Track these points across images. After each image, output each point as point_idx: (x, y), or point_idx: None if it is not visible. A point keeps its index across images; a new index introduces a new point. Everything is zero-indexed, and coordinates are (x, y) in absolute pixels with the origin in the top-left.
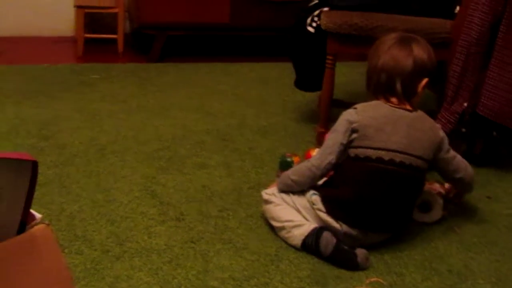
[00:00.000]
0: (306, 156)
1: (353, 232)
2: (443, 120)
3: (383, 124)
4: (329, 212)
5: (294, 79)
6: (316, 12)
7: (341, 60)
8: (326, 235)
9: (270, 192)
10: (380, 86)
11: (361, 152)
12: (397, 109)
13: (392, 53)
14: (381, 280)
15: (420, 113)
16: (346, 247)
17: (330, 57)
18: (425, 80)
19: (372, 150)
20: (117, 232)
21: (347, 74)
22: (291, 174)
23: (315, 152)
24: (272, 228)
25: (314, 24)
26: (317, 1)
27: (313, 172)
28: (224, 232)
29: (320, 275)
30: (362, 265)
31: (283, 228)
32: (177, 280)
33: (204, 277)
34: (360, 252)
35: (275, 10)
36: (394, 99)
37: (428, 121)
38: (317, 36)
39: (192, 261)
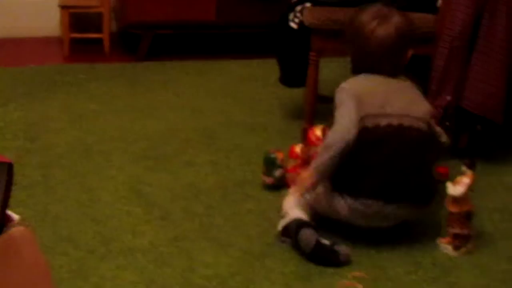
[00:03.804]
0: (290, 152)
1: (359, 206)
2: None
3: (372, 91)
4: (334, 187)
5: (278, 76)
6: (299, 8)
7: (329, 55)
8: (305, 231)
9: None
10: (369, 69)
11: (359, 124)
12: (386, 78)
13: (378, 36)
14: (364, 275)
15: (410, 83)
16: (327, 244)
17: (314, 53)
18: (410, 52)
19: (367, 119)
20: (102, 232)
21: (335, 70)
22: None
23: (298, 148)
24: (258, 225)
25: (296, 20)
26: None
27: (345, 140)
28: (209, 229)
29: (305, 270)
30: (344, 262)
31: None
32: (162, 279)
33: (189, 275)
34: (341, 248)
35: (262, 6)
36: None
37: (418, 92)
38: (300, 32)
39: (177, 260)
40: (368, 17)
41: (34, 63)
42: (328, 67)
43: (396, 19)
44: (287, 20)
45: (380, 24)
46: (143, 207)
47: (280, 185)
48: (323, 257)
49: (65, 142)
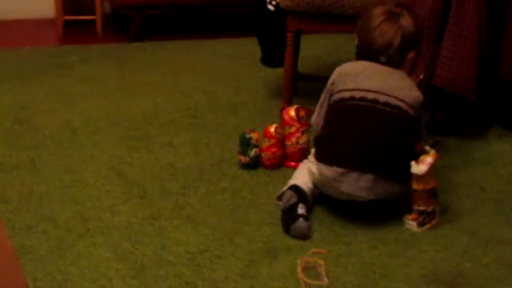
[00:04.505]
0: (265, 132)
1: (329, 173)
2: None
3: (360, 71)
4: (315, 157)
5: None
6: None
7: (318, 32)
8: (288, 193)
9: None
10: (368, 58)
11: (337, 96)
12: (377, 64)
13: (382, 30)
14: (324, 251)
15: (403, 72)
16: (298, 212)
17: (290, 35)
18: (412, 53)
19: (345, 92)
20: (82, 212)
21: (323, 47)
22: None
23: (272, 129)
24: (231, 203)
25: (274, 3)
26: None
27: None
28: (183, 208)
29: (272, 247)
30: (295, 236)
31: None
32: (135, 255)
33: (161, 251)
34: (303, 222)
35: None
36: None
37: (409, 79)
38: (277, 14)
39: (151, 237)
40: (378, 12)
41: (28, 45)
42: (317, 44)
43: (404, 21)
44: (265, 2)
45: (387, 21)
46: (122, 186)
47: (255, 165)
48: (284, 220)
49: (53, 124)
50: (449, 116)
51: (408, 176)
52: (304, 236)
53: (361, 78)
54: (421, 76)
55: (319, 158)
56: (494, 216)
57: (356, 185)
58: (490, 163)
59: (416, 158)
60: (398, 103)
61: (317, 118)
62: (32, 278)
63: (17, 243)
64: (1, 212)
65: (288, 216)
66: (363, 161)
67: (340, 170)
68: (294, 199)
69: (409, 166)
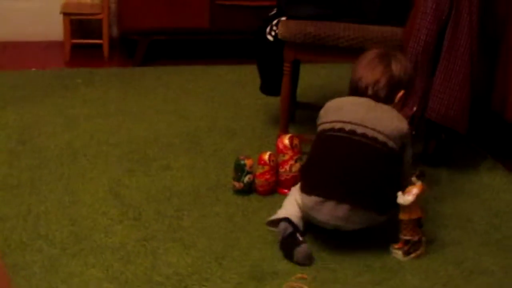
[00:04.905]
0: (259, 159)
1: (308, 202)
2: None
3: (343, 105)
4: (300, 186)
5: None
6: (275, 22)
7: (319, 62)
8: (282, 224)
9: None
10: (355, 94)
11: (319, 128)
12: (364, 98)
13: (371, 66)
14: (305, 276)
15: (389, 106)
16: (297, 239)
17: (287, 65)
18: (401, 92)
19: (327, 124)
20: (77, 231)
21: (324, 77)
22: None
23: (266, 156)
24: (222, 228)
25: (272, 33)
26: (275, 12)
27: None
28: (176, 231)
29: (259, 271)
30: (298, 260)
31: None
32: (125, 276)
33: (151, 272)
34: (305, 246)
35: (254, 14)
36: None
37: (395, 112)
38: (276, 44)
39: (142, 258)
40: (372, 52)
41: (35, 67)
42: (318, 74)
43: (394, 62)
44: (264, 32)
45: (378, 60)
46: (118, 208)
47: (249, 190)
48: (284, 247)
49: (55, 145)
50: (441, 148)
51: (388, 207)
52: (309, 259)
53: (344, 111)
54: (414, 109)
55: (302, 188)
56: (480, 247)
57: (332, 214)
58: (479, 196)
59: (403, 188)
60: (375, 134)
61: None
62: None
63: (11, 260)
64: None
65: (290, 242)
66: (339, 191)
67: (318, 199)
68: (290, 229)
69: (389, 197)
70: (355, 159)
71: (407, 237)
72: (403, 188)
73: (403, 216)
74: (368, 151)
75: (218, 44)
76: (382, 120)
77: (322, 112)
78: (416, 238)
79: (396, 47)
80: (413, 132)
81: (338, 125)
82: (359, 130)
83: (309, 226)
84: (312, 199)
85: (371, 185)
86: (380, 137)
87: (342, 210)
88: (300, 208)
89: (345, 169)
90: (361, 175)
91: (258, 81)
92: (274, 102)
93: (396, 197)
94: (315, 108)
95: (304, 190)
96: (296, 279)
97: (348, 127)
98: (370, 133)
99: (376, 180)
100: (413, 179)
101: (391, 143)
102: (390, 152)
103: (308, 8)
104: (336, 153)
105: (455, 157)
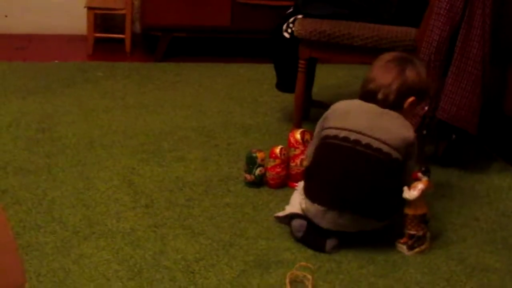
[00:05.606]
0: (271, 153)
1: (312, 209)
2: None
3: (351, 110)
4: (303, 189)
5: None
6: (291, 19)
7: (337, 62)
8: (295, 222)
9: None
10: (366, 94)
11: (324, 132)
12: (371, 104)
13: (386, 69)
14: (310, 265)
15: (397, 113)
16: (323, 230)
17: (302, 62)
18: (411, 98)
19: (332, 129)
20: (90, 216)
21: (341, 77)
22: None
23: (278, 150)
24: (231, 217)
25: (289, 31)
26: (292, 10)
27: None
28: (186, 219)
29: (265, 260)
30: (334, 249)
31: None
32: (134, 259)
33: (159, 257)
34: (330, 240)
35: (274, 13)
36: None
37: (402, 119)
38: (292, 41)
39: (152, 243)
40: (390, 54)
41: (59, 59)
42: (335, 74)
43: (410, 68)
44: (281, 30)
45: (393, 63)
46: (131, 195)
47: (260, 183)
48: (312, 244)
49: (73, 134)
50: (451, 148)
51: (389, 215)
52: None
53: (350, 116)
54: (426, 108)
55: (305, 192)
56: (484, 245)
57: (335, 222)
58: (488, 196)
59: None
60: (380, 145)
61: (311, 148)
62: (36, 273)
63: (25, 241)
64: (14, 212)
65: (317, 234)
66: (342, 201)
67: (321, 208)
68: (305, 224)
69: (390, 206)
70: (358, 170)
71: (412, 232)
72: (408, 184)
73: (408, 211)
74: (372, 163)
75: (238, 42)
76: (388, 129)
77: (328, 113)
78: (420, 233)
79: (409, 47)
80: (424, 132)
81: (343, 133)
82: (364, 140)
83: None
84: (315, 207)
85: (373, 196)
86: (385, 148)
87: (344, 218)
88: (303, 211)
89: (348, 180)
90: (364, 186)
91: (275, 79)
92: (291, 100)
93: (397, 203)
94: (329, 107)
95: (308, 195)
96: (301, 267)
97: (353, 136)
98: (374, 144)
99: (378, 191)
100: (419, 174)
101: (395, 154)
102: (393, 163)
103: (325, 7)
104: (340, 163)
105: (466, 159)
